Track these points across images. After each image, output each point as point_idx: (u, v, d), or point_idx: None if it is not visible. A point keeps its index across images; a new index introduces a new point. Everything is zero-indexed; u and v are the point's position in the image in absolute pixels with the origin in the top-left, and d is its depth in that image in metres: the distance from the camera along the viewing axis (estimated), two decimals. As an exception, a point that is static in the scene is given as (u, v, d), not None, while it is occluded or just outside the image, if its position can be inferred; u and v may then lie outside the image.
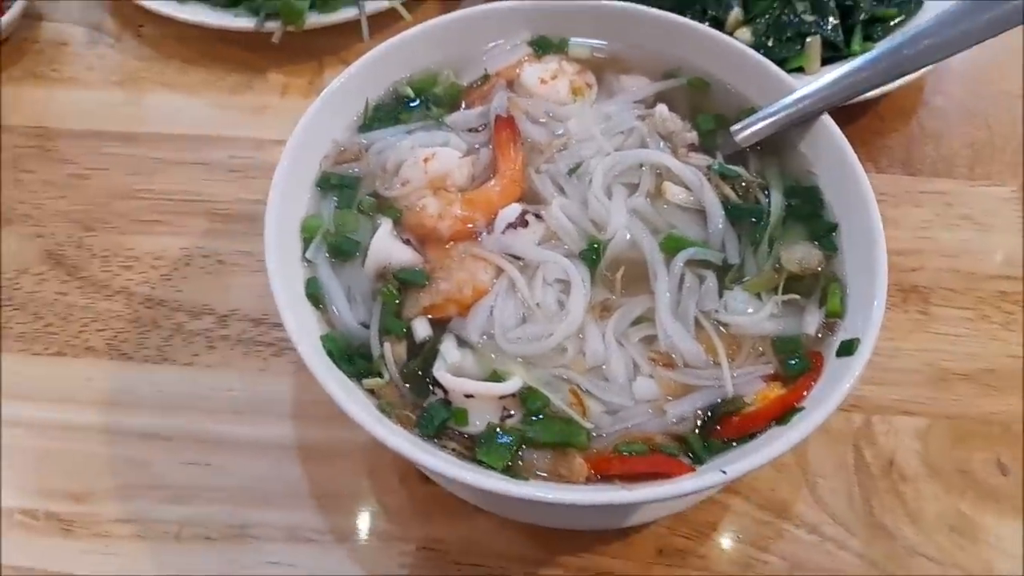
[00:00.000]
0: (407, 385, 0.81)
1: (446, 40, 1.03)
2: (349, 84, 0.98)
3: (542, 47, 1.05)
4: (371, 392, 0.80)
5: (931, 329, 1.10)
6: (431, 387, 0.80)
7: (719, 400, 0.80)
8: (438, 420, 0.77)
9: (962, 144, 1.28)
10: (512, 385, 0.78)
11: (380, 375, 0.80)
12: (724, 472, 0.71)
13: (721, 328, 0.84)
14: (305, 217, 0.91)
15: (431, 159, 0.93)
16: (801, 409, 0.77)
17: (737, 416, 0.79)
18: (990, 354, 1.07)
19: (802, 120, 0.93)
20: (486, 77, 1.03)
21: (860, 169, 0.88)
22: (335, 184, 0.94)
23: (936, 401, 1.04)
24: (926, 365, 1.07)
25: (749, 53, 0.98)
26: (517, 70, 1.03)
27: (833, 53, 1.25)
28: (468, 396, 0.78)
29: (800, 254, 0.88)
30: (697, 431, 0.79)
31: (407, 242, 0.89)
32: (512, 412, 0.79)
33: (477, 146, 0.97)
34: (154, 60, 1.39)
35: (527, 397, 0.78)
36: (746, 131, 0.95)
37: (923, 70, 1.19)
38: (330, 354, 0.82)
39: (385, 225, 0.88)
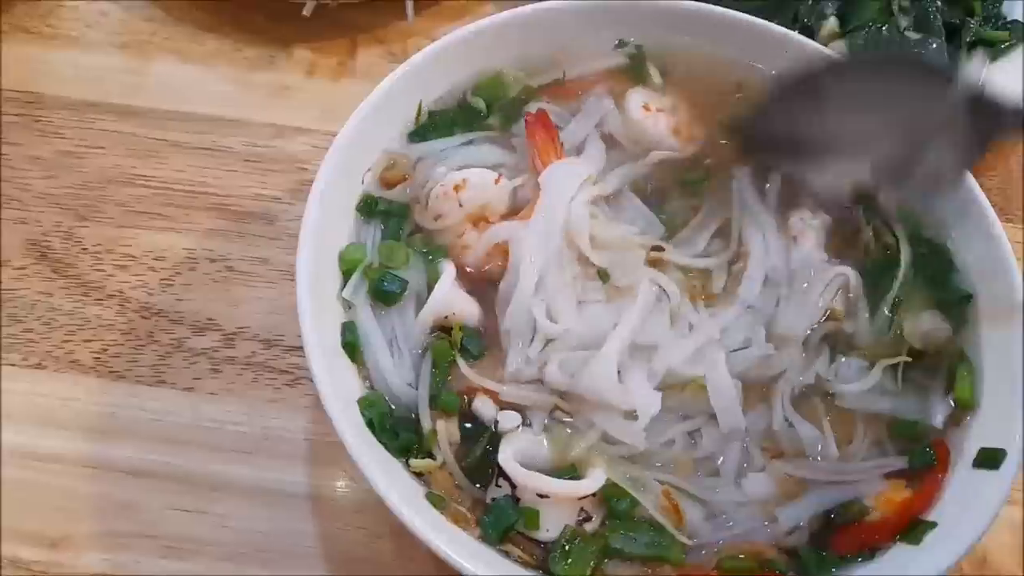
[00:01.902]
0: (463, 471, 0.67)
1: (523, 36, 0.87)
2: (407, 81, 0.83)
3: (635, 63, 0.91)
4: (418, 475, 0.66)
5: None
6: (495, 478, 0.66)
7: (838, 504, 0.68)
8: (505, 523, 0.65)
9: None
10: (596, 482, 0.65)
11: (431, 455, 0.67)
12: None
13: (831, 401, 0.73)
14: (346, 247, 0.76)
15: (462, 187, 0.79)
16: (932, 525, 0.65)
17: (858, 526, 0.67)
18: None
19: None
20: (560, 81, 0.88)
21: (1000, 231, 0.76)
22: (381, 210, 0.80)
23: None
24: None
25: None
26: (615, 86, 0.89)
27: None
28: (542, 496, 0.64)
29: (928, 326, 0.76)
30: (809, 543, 0.67)
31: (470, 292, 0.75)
32: (591, 515, 0.66)
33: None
34: (164, 23, 1.22)
35: (610, 496, 0.65)
36: None
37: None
38: (370, 424, 0.69)
39: (449, 270, 0.74)
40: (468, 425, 0.71)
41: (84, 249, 1.00)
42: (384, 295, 0.74)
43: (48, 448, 0.87)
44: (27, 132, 1.09)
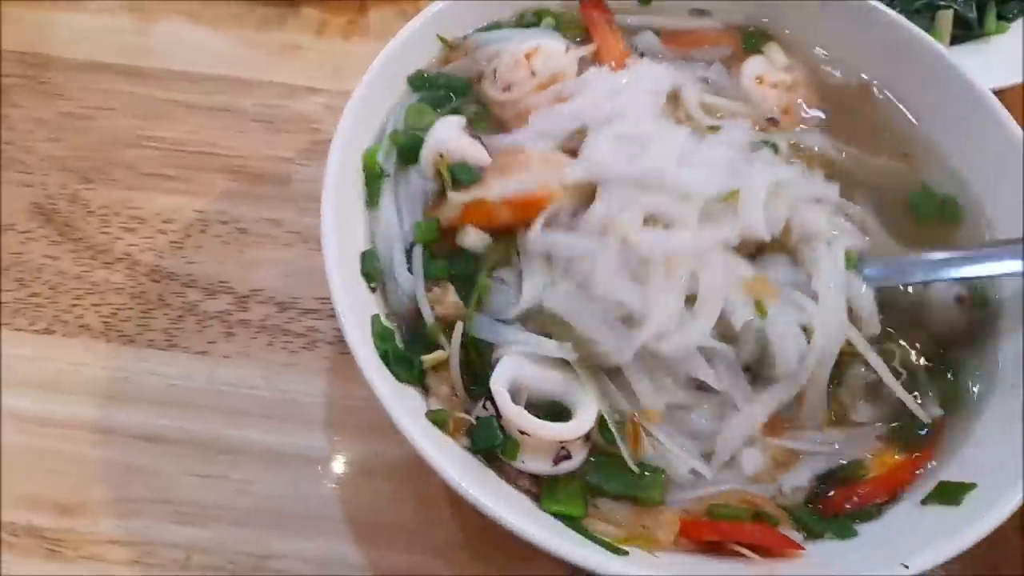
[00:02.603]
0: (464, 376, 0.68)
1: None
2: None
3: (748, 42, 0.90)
4: (426, 390, 0.68)
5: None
6: (484, 400, 0.66)
7: (834, 466, 0.68)
8: (487, 443, 0.65)
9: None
10: (580, 426, 0.64)
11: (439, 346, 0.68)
12: (906, 567, 0.56)
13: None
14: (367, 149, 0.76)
15: (534, 55, 0.78)
16: (972, 486, 0.63)
17: (853, 485, 0.67)
18: None
19: None
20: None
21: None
22: (439, 84, 0.80)
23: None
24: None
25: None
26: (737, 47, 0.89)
27: (964, 31, 1.08)
28: (523, 432, 0.64)
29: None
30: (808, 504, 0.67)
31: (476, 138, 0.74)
32: (571, 454, 0.65)
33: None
34: (170, -19, 1.19)
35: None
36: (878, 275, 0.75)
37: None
38: (384, 357, 0.68)
39: (453, 117, 0.73)
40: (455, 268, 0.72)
41: (91, 212, 0.97)
42: (406, 151, 0.74)
43: (59, 414, 0.84)
44: (31, 94, 1.06)
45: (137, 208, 0.97)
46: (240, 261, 0.94)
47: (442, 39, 0.84)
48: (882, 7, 0.87)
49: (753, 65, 0.89)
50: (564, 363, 0.67)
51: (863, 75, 0.90)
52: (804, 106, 0.87)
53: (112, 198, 0.98)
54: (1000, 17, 1.11)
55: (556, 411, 0.67)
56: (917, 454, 0.69)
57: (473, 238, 0.71)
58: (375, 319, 0.70)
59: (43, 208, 0.97)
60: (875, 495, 0.67)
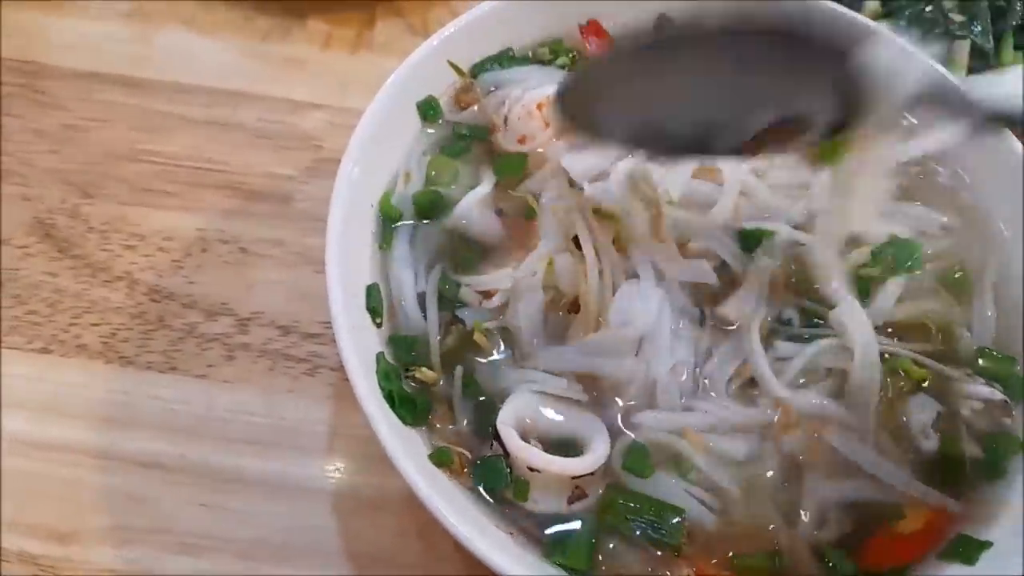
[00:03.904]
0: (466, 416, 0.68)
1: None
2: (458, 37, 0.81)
3: None
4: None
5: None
6: (491, 441, 0.65)
7: (871, 501, 0.66)
8: (489, 483, 0.64)
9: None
10: (594, 460, 0.63)
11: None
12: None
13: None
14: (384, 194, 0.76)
15: (545, 104, 0.77)
16: (988, 544, 0.62)
17: (890, 534, 0.65)
18: None
19: None
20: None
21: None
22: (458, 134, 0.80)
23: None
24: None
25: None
26: None
27: (979, 62, 1.07)
28: (532, 469, 0.63)
29: None
30: (837, 545, 0.65)
31: (499, 213, 0.74)
32: (586, 493, 0.64)
33: None
34: (171, -11, 1.17)
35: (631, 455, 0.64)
36: None
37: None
38: (388, 398, 0.67)
39: (485, 186, 0.72)
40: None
41: (91, 228, 0.95)
42: (426, 209, 0.75)
43: (55, 437, 0.83)
44: (29, 104, 1.04)
45: (136, 225, 0.96)
46: (241, 282, 0.93)
47: (454, 66, 0.83)
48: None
49: None
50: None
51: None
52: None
53: (111, 214, 0.96)
54: (1017, 48, 1.10)
55: (567, 451, 0.66)
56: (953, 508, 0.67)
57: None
58: (379, 357, 0.69)
59: (43, 222, 0.95)
60: (913, 552, 0.65)
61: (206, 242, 0.95)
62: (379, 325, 0.72)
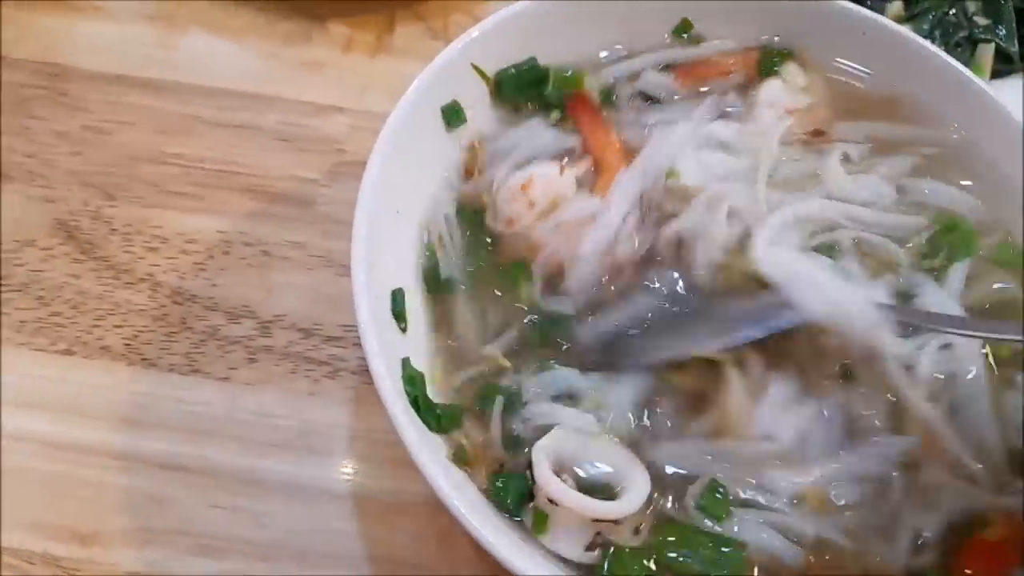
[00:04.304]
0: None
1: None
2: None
3: (766, 62, 0.87)
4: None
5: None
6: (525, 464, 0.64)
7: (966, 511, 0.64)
8: (507, 494, 0.63)
9: None
10: (624, 507, 0.61)
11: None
12: None
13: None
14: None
15: (529, 186, 0.76)
16: None
17: (980, 543, 0.63)
18: None
19: None
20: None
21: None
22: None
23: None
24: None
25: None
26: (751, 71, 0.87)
27: (1004, 65, 1.06)
28: (552, 501, 0.61)
29: None
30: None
31: None
32: (609, 542, 0.62)
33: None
34: (193, -7, 1.17)
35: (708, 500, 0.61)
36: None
37: None
38: (414, 403, 0.66)
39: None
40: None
41: (113, 230, 0.96)
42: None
43: (78, 439, 0.83)
44: (52, 106, 1.04)
45: (159, 227, 0.96)
46: (263, 285, 0.93)
47: (477, 69, 0.82)
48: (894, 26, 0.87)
49: (770, 91, 0.85)
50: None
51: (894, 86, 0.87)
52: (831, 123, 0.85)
53: (134, 216, 0.97)
54: (1042, 51, 1.09)
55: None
56: None
57: None
58: (405, 362, 0.68)
59: (66, 224, 0.95)
60: (1004, 560, 0.62)
61: (228, 244, 0.95)
62: (404, 330, 0.72)
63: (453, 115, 0.81)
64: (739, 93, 0.86)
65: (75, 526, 0.79)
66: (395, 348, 0.69)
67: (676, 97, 0.85)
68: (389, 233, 0.74)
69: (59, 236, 0.95)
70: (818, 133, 0.83)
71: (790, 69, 0.87)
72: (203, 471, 0.82)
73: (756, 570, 0.61)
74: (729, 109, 0.85)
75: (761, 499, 0.63)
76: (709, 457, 0.65)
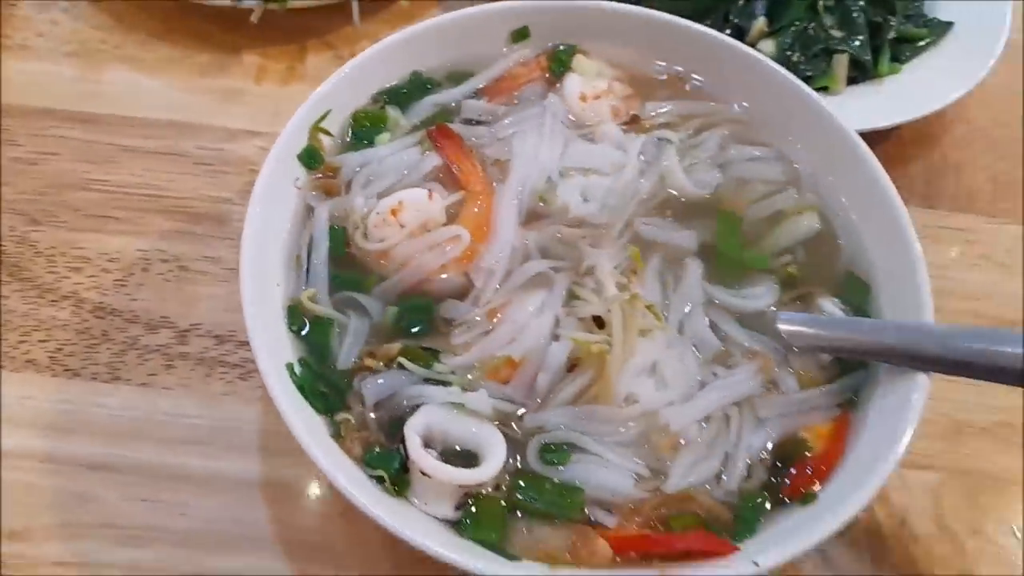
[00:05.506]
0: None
1: (459, 38, 0.94)
2: (349, 80, 0.90)
3: (556, 62, 0.96)
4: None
5: (947, 378, 1.03)
6: (398, 442, 0.72)
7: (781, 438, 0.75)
8: (376, 465, 0.71)
9: (985, 177, 1.21)
10: (483, 473, 0.70)
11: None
12: (756, 564, 0.64)
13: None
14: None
15: (400, 210, 0.83)
16: (814, 496, 0.71)
17: (804, 463, 0.73)
18: (1010, 407, 1.01)
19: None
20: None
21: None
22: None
23: (951, 455, 0.98)
24: (941, 415, 1.00)
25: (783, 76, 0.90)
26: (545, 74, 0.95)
27: (859, 73, 1.17)
28: (424, 474, 0.69)
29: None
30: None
31: None
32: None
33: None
34: (114, 30, 1.25)
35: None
36: (795, 329, 0.80)
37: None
38: (300, 388, 0.75)
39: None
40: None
41: (38, 252, 1.03)
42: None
43: (7, 446, 0.90)
44: (-19, 140, 1.11)
45: (82, 248, 1.03)
46: (180, 297, 1.00)
47: (320, 128, 0.89)
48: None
49: (572, 85, 0.94)
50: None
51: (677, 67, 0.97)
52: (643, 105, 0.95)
53: (59, 239, 1.04)
54: (894, 59, 1.21)
55: (471, 463, 0.72)
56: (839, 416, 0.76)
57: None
58: (297, 362, 0.76)
59: (-9, 249, 1.02)
60: (825, 467, 0.73)
61: (148, 262, 1.03)
62: (297, 332, 0.79)
63: (310, 159, 0.88)
64: (545, 94, 0.95)
65: (5, 524, 0.85)
66: (283, 345, 0.76)
67: (500, 113, 0.93)
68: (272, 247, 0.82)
69: (-14, 260, 1.01)
70: (635, 120, 0.93)
71: (580, 60, 0.96)
72: (126, 469, 0.89)
73: (597, 507, 0.71)
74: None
75: (603, 449, 0.73)
76: (567, 419, 0.74)
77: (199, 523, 0.87)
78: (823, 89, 1.15)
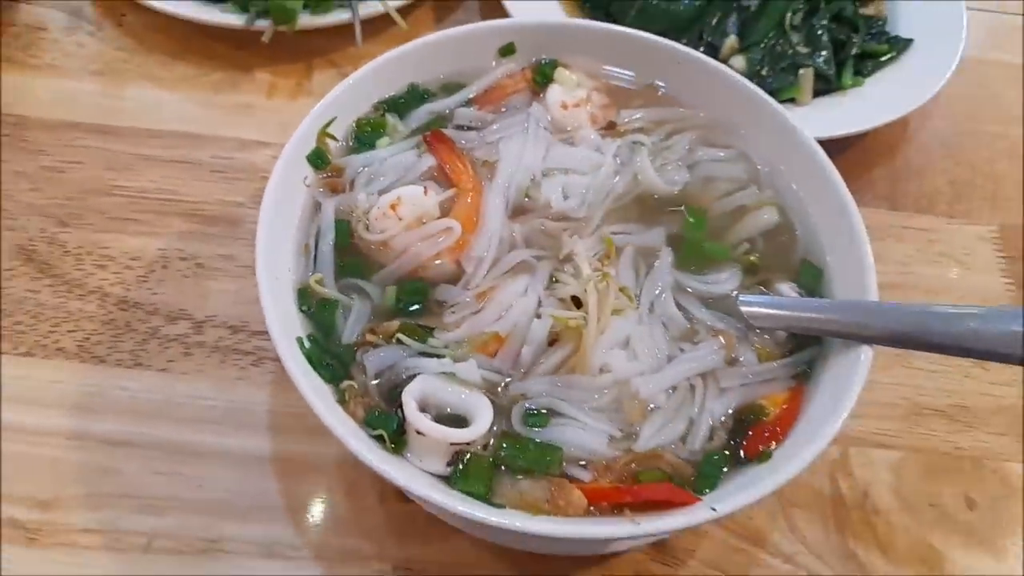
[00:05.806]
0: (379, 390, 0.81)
1: (452, 53, 1.03)
2: (352, 91, 0.98)
3: (540, 74, 1.05)
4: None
5: (908, 364, 1.11)
6: (396, 407, 0.79)
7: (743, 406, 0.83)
8: (376, 425, 0.77)
9: (944, 181, 1.30)
10: (472, 433, 0.77)
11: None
12: (714, 509, 0.71)
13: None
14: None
15: (399, 205, 0.91)
16: (769, 455, 0.78)
17: (761, 426, 0.80)
18: (964, 391, 1.09)
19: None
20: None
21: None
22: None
23: (910, 435, 1.06)
24: (902, 399, 1.08)
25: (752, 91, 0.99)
26: (530, 85, 1.04)
27: (825, 86, 1.26)
28: (420, 433, 0.77)
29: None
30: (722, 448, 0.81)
31: None
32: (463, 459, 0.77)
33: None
34: (135, 51, 1.35)
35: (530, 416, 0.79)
36: (755, 310, 0.86)
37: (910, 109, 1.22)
38: (308, 358, 0.81)
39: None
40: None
41: (67, 252, 1.11)
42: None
43: (38, 424, 0.98)
44: (13, 150, 1.21)
45: (107, 248, 1.12)
46: (197, 292, 1.09)
47: (327, 133, 0.97)
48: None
49: (554, 95, 1.02)
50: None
51: (650, 79, 1.05)
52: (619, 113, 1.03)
53: (85, 239, 1.13)
54: (857, 73, 1.30)
55: (461, 426, 0.79)
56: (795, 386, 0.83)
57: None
58: (307, 338, 0.84)
59: (25, 249, 1.11)
60: (780, 429, 0.79)
61: (167, 260, 1.12)
62: (307, 311, 0.87)
63: (318, 160, 0.95)
64: (529, 103, 1.03)
65: (35, 495, 0.93)
66: (294, 323, 0.85)
67: (489, 119, 1.02)
68: (284, 236, 0.90)
69: (19, 259, 1.10)
70: (611, 126, 1.01)
71: (562, 73, 1.04)
72: (147, 445, 0.97)
73: (574, 464, 0.78)
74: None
75: (580, 413, 0.80)
76: (548, 387, 0.82)
77: (214, 494, 0.95)
78: (791, 100, 1.24)
